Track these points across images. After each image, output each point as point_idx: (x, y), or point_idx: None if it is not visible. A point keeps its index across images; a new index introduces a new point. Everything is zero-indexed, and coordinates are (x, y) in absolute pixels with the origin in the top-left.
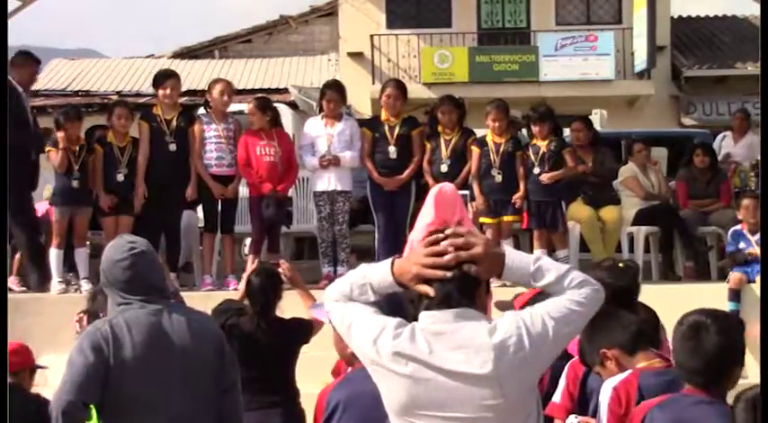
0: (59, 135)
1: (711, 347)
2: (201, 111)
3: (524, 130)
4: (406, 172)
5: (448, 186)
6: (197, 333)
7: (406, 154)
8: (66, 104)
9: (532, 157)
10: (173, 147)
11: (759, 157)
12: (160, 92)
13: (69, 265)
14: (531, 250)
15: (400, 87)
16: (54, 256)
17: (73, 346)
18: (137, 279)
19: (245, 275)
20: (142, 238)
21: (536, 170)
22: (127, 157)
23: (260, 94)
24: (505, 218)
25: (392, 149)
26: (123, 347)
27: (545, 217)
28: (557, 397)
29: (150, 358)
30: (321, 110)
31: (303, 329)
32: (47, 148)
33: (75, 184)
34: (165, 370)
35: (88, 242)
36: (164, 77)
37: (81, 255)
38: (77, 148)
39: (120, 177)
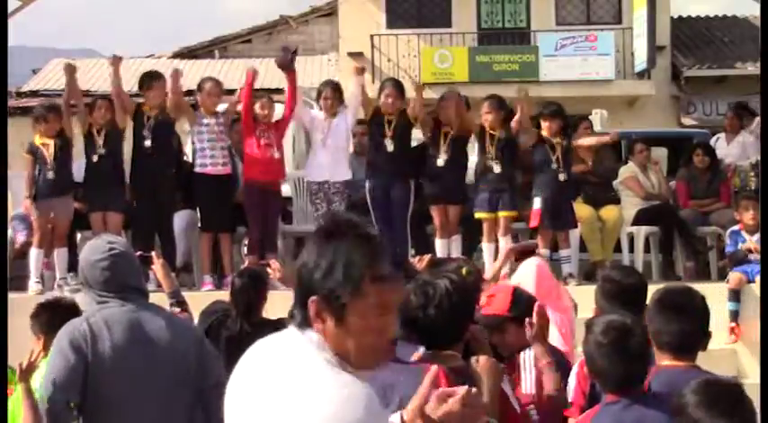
0: (39, 130)
1: (638, 351)
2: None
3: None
4: None
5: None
6: (175, 330)
7: (404, 147)
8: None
9: (550, 153)
10: (148, 142)
11: (753, 156)
12: (147, 96)
13: (70, 264)
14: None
15: (399, 88)
16: (33, 256)
17: (52, 346)
18: (114, 279)
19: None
20: (136, 236)
21: (553, 165)
22: (103, 139)
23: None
24: (501, 213)
25: (388, 142)
26: (101, 345)
27: (560, 216)
28: (569, 396)
29: (129, 355)
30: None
31: None
32: (23, 154)
33: (50, 175)
34: (144, 367)
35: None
36: (151, 80)
37: (61, 255)
38: (54, 143)
39: (95, 158)
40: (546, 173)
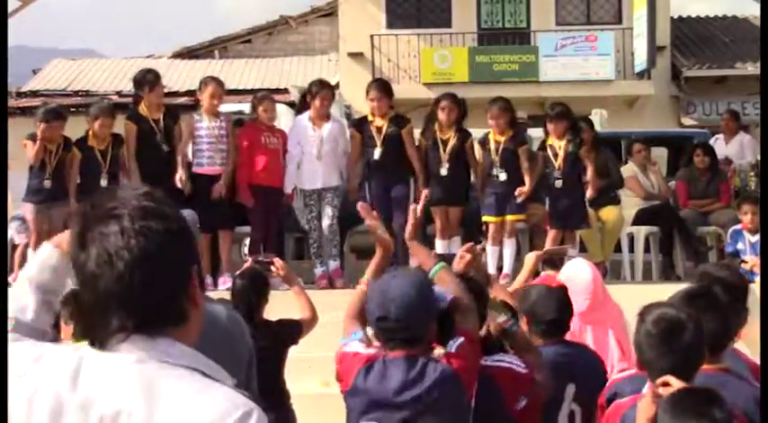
0: (41, 128)
1: (689, 345)
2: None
3: (529, 130)
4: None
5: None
6: (233, 321)
7: (393, 155)
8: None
9: (552, 159)
10: (165, 147)
11: (752, 156)
12: (153, 95)
13: None
14: (531, 250)
15: (384, 89)
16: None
17: None
18: None
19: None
20: None
21: (556, 174)
22: (108, 161)
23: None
24: (509, 217)
25: (377, 152)
26: None
27: (569, 217)
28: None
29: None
30: (305, 108)
31: (291, 331)
32: (23, 141)
33: (47, 184)
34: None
35: None
36: (157, 78)
37: None
38: (54, 149)
39: (104, 182)
40: (547, 179)
